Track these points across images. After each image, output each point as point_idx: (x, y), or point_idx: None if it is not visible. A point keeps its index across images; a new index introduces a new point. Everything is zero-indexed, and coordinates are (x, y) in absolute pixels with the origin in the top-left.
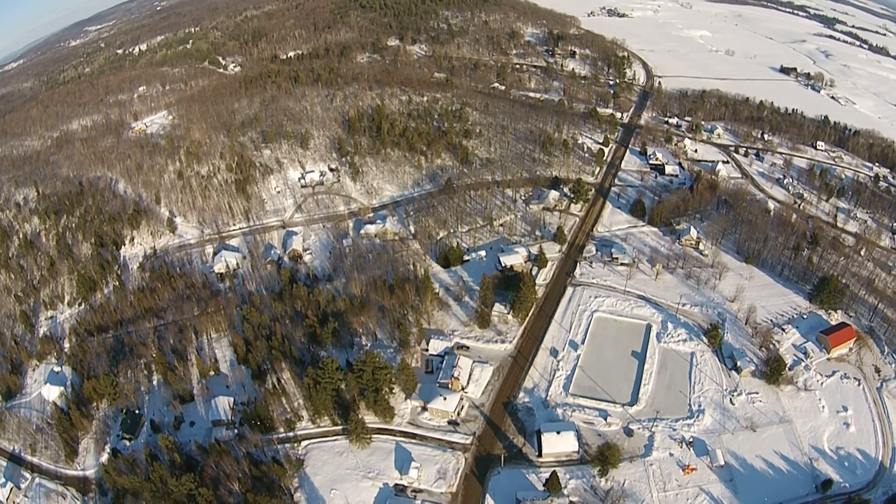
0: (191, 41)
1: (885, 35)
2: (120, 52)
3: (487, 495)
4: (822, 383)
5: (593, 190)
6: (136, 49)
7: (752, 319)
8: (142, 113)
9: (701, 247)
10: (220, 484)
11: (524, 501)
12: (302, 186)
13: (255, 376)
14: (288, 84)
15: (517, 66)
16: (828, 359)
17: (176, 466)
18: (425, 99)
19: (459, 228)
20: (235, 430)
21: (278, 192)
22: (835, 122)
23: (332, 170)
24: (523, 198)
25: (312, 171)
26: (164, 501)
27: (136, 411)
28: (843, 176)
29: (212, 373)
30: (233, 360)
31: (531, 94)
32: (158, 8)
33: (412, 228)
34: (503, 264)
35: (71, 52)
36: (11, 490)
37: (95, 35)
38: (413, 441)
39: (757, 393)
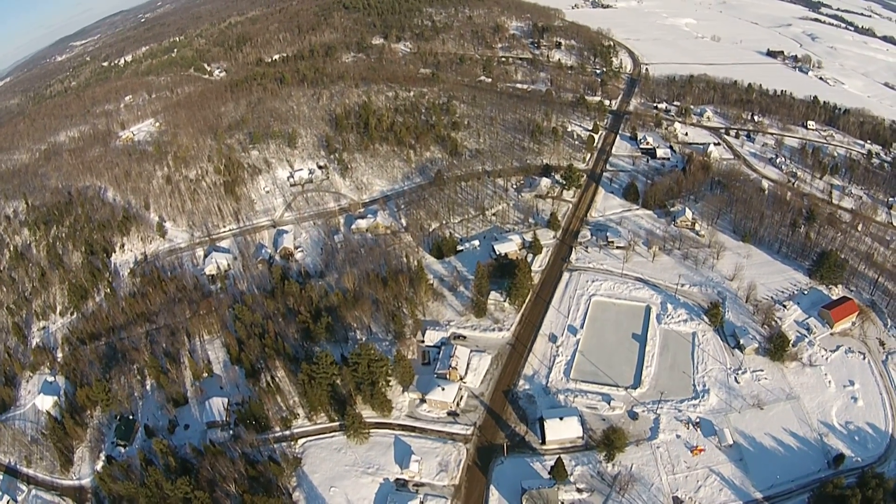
0: (175, 50)
1: (870, 17)
2: (105, 64)
3: (492, 486)
4: (826, 358)
5: (585, 176)
6: (122, 60)
7: (752, 297)
8: (129, 122)
9: (697, 227)
10: (216, 486)
11: (530, 490)
12: (291, 185)
13: (248, 375)
14: (274, 85)
15: (503, 59)
16: (831, 334)
17: (171, 470)
18: (412, 94)
19: (451, 219)
20: (231, 431)
21: (267, 191)
22: (824, 102)
23: (320, 167)
24: (515, 186)
25: (301, 170)
26: None
27: (130, 417)
28: (836, 154)
29: (205, 374)
30: (226, 361)
31: (518, 86)
32: (143, 20)
33: (404, 221)
34: (498, 252)
35: (57, 67)
36: (8, 503)
37: (81, 49)
38: (412, 434)
39: (762, 370)
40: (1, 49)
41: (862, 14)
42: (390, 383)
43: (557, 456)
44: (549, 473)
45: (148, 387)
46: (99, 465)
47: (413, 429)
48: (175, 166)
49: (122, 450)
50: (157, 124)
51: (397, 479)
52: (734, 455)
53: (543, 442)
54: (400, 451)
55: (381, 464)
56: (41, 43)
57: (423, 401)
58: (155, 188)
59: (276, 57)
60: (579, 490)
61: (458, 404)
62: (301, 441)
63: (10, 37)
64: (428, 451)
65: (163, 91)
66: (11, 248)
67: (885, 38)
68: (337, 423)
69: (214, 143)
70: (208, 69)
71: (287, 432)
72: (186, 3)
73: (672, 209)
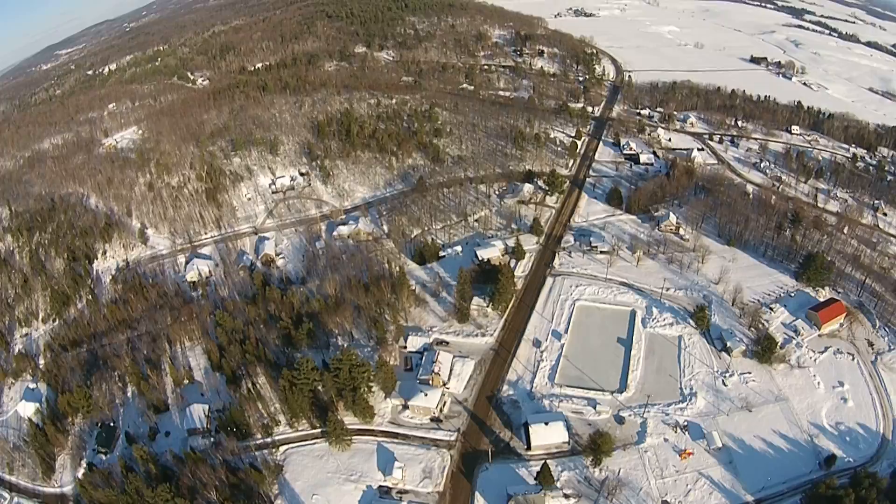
0: (159, 59)
1: (854, 23)
2: (90, 72)
3: (477, 492)
4: (815, 360)
5: (568, 182)
6: (106, 69)
7: (738, 300)
8: (112, 129)
9: (681, 231)
10: (197, 493)
11: (516, 496)
12: (273, 192)
13: (229, 382)
14: (256, 93)
15: (485, 67)
16: (819, 335)
17: (152, 477)
18: (394, 101)
19: (434, 226)
20: (211, 438)
21: (249, 198)
22: (808, 107)
23: (302, 174)
24: (497, 193)
25: (283, 177)
26: None
27: (112, 424)
28: (821, 158)
29: (186, 381)
30: (207, 368)
31: (501, 93)
32: (127, 29)
33: (385, 228)
34: (480, 258)
35: (42, 75)
36: None
37: (66, 58)
38: (395, 441)
39: (749, 373)
40: None
41: (846, 20)
42: (372, 389)
43: (543, 461)
44: (536, 479)
45: (129, 394)
46: (80, 473)
47: (396, 435)
48: (157, 173)
49: (104, 457)
50: (140, 132)
51: (380, 487)
52: (723, 458)
53: (529, 447)
54: (383, 458)
55: (364, 471)
56: (26, 52)
57: (405, 407)
58: (137, 195)
59: (259, 65)
60: (566, 495)
61: (441, 410)
62: (282, 448)
63: None
64: (411, 458)
65: (146, 99)
66: None
67: (868, 44)
68: (319, 430)
69: (197, 151)
70: (191, 77)
71: (268, 439)
72: (171, 13)
73: (656, 214)
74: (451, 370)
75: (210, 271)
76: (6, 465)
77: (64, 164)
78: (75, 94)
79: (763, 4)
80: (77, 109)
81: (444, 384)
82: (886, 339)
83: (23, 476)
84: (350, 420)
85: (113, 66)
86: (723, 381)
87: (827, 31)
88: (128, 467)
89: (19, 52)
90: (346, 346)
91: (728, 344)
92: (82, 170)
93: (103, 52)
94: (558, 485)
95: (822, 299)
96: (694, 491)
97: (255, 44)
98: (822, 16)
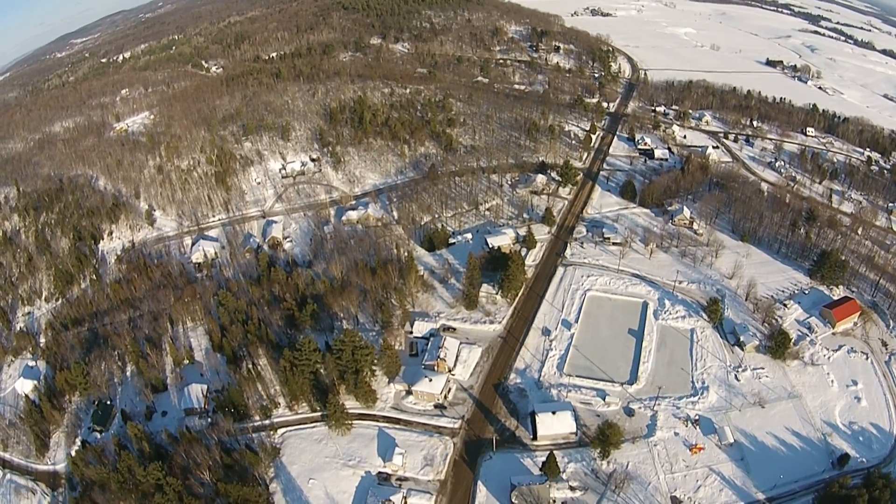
0: (174, 47)
1: (870, 31)
2: (104, 60)
3: (479, 481)
4: (829, 357)
5: (581, 174)
6: (120, 57)
7: (752, 295)
8: (124, 114)
9: (695, 226)
10: (189, 473)
11: (520, 486)
12: (283, 177)
13: (230, 362)
14: (270, 80)
15: (501, 61)
16: (833, 333)
17: (145, 456)
18: (408, 91)
19: (444, 213)
20: (208, 419)
21: (258, 182)
22: (823, 110)
23: (313, 160)
24: (510, 182)
25: (293, 162)
26: (131, 492)
27: (108, 402)
28: (835, 160)
29: (186, 361)
30: (208, 348)
31: (516, 87)
32: (143, 19)
33: (395, 214)
34: (490, 245)
35: (56, 62)
36: None
37: (80, 46)
38: (397, 426)
39: (762, 368)
40: (1, 46)
41: (861, 28)
42: (375, 373)
43: (549, 452)
44: (541, 470)
45: (128, 372)
46: (73, 450)
47: (398, 421)
48: (167, 156)
49: (99, 435)
50: (152, 116)
51: (380, 473)
52: (735, 454)
53: (535, 437)
54: (383, 444)
55: (363, 456)
56: (41, 40)
57: (409, 392)
58: (146, 177)
59: (274, 55)
60: (572, 488)
61: (445, 397)
62: (280, 431)
63: (11, 34)
64: (413, 445)
65: (159, 86)
66: (0, 234)
67: (884, 52)
68: (318, 414)
69: (208, 135)
70: (206, 66)
71: (266, 421)
72: (187, 3)
73: (670, 208)
74: (457, 356)
75: (216, 253)
76: (1, 442)
77: (74, 146)
78: (88, 80)
79: (779, 10)
80: (89, 94)
81: (450, 370)
82: None
83: (17, 453)
84: (351, 404)
85: (127, 55)
86: (735, 375)
87: (843, 38)
88: (121, 445)
89: (34, 41)
90: (350, 328)
91: (741, 338)
92: (92, 152)
93: (118, 40)
94: (564, 476)
95: (836, 297)
96: (704, 487)
97: (270, 34)
98: (838, 23)
